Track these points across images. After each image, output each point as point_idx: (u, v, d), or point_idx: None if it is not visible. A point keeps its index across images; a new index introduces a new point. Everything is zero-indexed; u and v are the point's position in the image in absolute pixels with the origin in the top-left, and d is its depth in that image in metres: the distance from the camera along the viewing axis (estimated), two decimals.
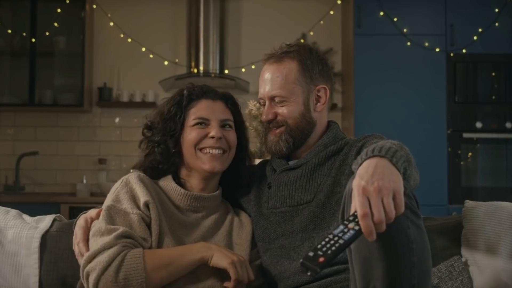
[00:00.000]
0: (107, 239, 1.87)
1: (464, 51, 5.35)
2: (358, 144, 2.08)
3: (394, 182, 1.46)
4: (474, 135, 5.32)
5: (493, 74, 5.38)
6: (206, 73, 5.65)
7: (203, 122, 2.12)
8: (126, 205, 1.99)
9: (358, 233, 1.41)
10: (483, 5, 5.38)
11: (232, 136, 2.17)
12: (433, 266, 2.12)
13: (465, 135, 5.31)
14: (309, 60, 2.21)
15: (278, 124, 2.19)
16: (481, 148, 5.39)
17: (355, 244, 1.57)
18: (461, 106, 5.34)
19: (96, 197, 5.40)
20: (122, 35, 5.94)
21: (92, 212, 2.12)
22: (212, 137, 2.09)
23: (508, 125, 5.29)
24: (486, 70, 5.38)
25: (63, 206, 5.09)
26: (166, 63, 5.94)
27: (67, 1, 5.75)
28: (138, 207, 1.99)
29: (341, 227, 1.43)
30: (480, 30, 5.34)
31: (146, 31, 5.99)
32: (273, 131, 2.21)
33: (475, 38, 5.34)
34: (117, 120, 5.98)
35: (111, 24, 5.96)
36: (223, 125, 2.15)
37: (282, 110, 2.18)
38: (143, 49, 5.93)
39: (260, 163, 2.42)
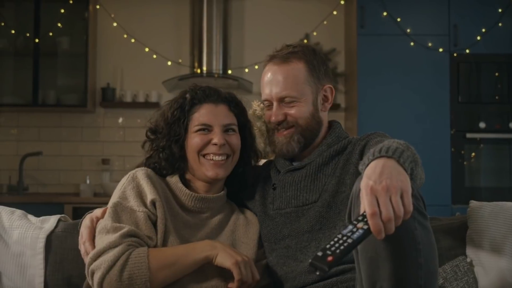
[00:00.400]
0: (112, 237, 1.88)
1: (467, 51, 5.35)
2: (361, 142, 2.08)
3: (402, 182, 1.47)
4: (478, 135, 5.32)
5: (497, 74, 5.38)
6: (210, 74, 5.65)
7: (205, 128, 2.11)
8: (133, 202, 1.99)
9: (367, 232, 1.42)
10: (486, 5, 5.38)
11: (235, 140, 2.16)
12: (438, 267, 2.11)
13: (469, 135, 5.30)
14: (314, 60, 2.22)
15: (288, 125, 2.17)
16: (485, 148, 5.38)
17: (361, 244, 1.57)
18: (465, 106, 5.34)
19: (100, 197, 5.40)
20: (125, 36, 5.94)
21: (97, 212, 2.12)
22: (215, 144, 2.09)
23: (511, 125, 5.28)
24: (490, 70, 5.38)
25: (67, 207, 5.09)
26: (169, 63, 5.94)
27: (71, 2, 5.76)
28: (144, 204, 1.99)
29: (350, 227, 1.43)
30: (483, 30, 5.34)
31: (149, 32, 6.00)
32: (281, 132, 2.19)
33: (478, 38, 5.34)
34: (120, 120, 5.99)
35: (115, 24, 5.96)
36: (226, 129, 2.14)
37: (292, 111, 2.16)
38: (147, 49, 5.93)
39: (264, 163, 2.41)
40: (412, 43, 5.37)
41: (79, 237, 2.10)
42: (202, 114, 2.12)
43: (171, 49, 6.01)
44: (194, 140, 2.10)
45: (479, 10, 5.38)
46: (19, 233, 2.32)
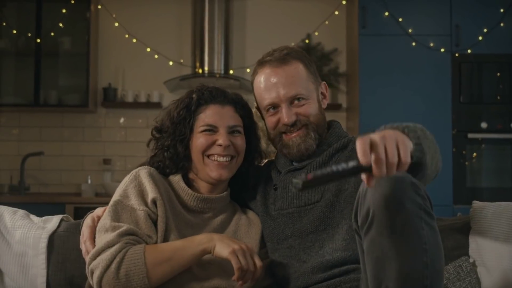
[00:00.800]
0: (110, 236, 1.88)
1: (469, 51, 5.35)
2: None
3: (398, 135, 1.46)
4: (479, 135, 5.32)
5: (498, 74, 5.37)
6: (211, 74, 5.66)
7: (211, 129, 2.10)
8: (134, 200, 1.99)
9: (356, 167, 1.41)
10: (488, 5, 5.38)
11: (240, 141, 2.15)
12: None
13: (470, 135, 5.30)
14: (306, 59, 2.23)
15: (301, 124, 2.14)
16: (486, 148, 5.38)
17: (367, 244, 1.57)
18: (466, 107, 5.34)
19: (101, 197, 5.40)
20: (127, 36, 5.94)
21: (99, 211, 2.13)
22: (220, 145, 2.08)
23: None
24: (491, 70, 5.38)
25: (68, 206, 5.09)
26: (171, 63, 5.94)
27: (72, 2, 5.76)
28: (145, 203, 1.99)
29: (342, 164, 1.42)
30: (485, 30, 5.34)
31: (151, 32, 6.00)
32: (292, 134, 2.16)
33: (480, 38, 5.34)
34: (122, 120, 5.99)
35: (116, 24, 5.96)
36: (231, 131, 2.13)
37: (303, 110, 2.14)
38: (148, 49, 5.93)
39: (265, 164, 2.40)
40: (413, 43, 5.37)
41: (81, 236, 2.11)
42: (208, 115, 2.12)
43: (172, 49, 6.02)
44: (199, 141, 2.10)
45: (481, 10, 5.37)
46: (22, 233, 2.32)
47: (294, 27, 5.99)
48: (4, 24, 5.82)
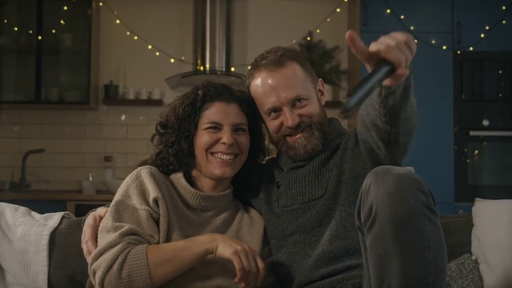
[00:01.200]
0: (112, 236, 1.87)
1: (471, 48, 5.34)
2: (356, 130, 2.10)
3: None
4: (481, 133, 5.31)
5: (500, 72, 5.36)
6: (212, 71, 5.65)
7: (215, 127, 2.09)
8: (135, 200, 1.98)
9: (387, 69, 1.45)
10: (490, 3, 5.37)
11: (244, 140, 2.14)
12: None
13: (472, 133, 5.29)
14: (301, 58, 2.22)
15: (305, 125, 2.14)
16: (488, 146, 5.37)
17: (370, 241, 1.57)
18: (468, 104, 5.33)
19: (102, 194, 5.40)
20: (128, 33, 5.94)
21: (100, 211, 2.12)
22: (224, 143, 2.07)
23: None
24: (493, 68, 5.37)
25: (69, 204, 5.09)
26: (172, 60, 5.94)
27: None
28: (147, 203, 1.98)
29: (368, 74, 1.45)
30: (487, 27, 5.33)
31: (152, 29, 5.99)
32: (296, 136, 2.15)
33: (482, 36, 5.33)
34: (123, 117, 5.98)
35: (117, 21, 5.96)
36: (235, 129, 2.12)
37: (305, 111, 2.14)
38: (149, 46, 5.93)
39: (267, 161, 2.39)
40: (415, 41, 5.33)
41: (82, 236, 2.10)
42: (213, 112, 2.10)
43: (174, 47, 6.01)
44: (203, 138, 2.09)
45: (482, 7, 5.36)
46: (23, 230, 2.32)
47: (295, 25, 5.99)
48: (5, 21, 5.81)
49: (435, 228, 1.55)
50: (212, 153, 2.09)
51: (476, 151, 5.36)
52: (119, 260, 1.81)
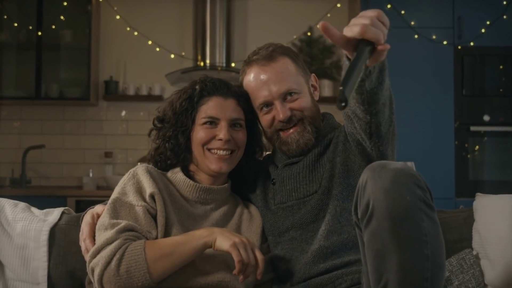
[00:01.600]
0: (109, 233, 1.87)
1: (471, 44, 5.33)
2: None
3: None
4: (482, 128, 5.31)
5: (501, 67, 5.35)
6: (213, 67, 5.64)
7: (212, 121, 2.09)
8: (132, 197, 1.98)
9: (362, 48, 1.41)
10: None
11: (241, 135, 2.14)
12: None
13: (473, 128, 5.29)
14: (293, 53, 2.22)
15: (296, 119, 2.15)
16: (489, 141, 5.37)
17: (368, 237, 1.57)
18: (469, 99, 5.32)
19: (103, 190, 5.39)
20: (128, 28, 5.93)
21: (98, 208, 2.12)
22: (220, 140, 2.07)
23: None
24: (494, 63, 5.36)
25: (70, 200, 5.09)
26: (172, 56, 5.93)
27: None
28: (143, 199, 1.98)
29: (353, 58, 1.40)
30: (488, 22, 5.32)
31: (152, 24, 5.98)
32: (289, 130, 2.16)
33: (482, 31, 5.32)
34: (123, 113, 5.98)
35: (118, 17, 5.95)
36: (233, 124, 2.12)
37: (296, 104, 2.14)
38: (150, 42, 5.92)
39: (264, 158, 2.40)
40: (416, 36, 5.35)
41: (80, 233, 2.10)
42: (210, 107, 2.11)
43: (174, 42, 6.00)
44: (199, 134, 2.09)
45: (483, 2, 5.35)
46: (23, 226, 2.32)
47: (296, 20, 5.97)
48: (5, 17, 5.80)
49: (432, 223, 1.55)
50: (209, 149, 2.09)
51: (477, 147, 5.36)
52: (117, 256, 1.81)
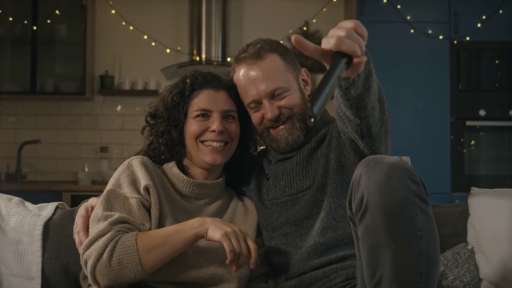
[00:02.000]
0: (102, 225, 1.87)
1: (467, 38, 5.34)
2: None
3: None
4: (477, 123, 5.32)
5: (497, 61, 5.36)
6: (208, 61, 5.64)
7: (204, 114, 2.10)
8: (126, 189, 1.97)
9: (337, 61, 1.39)
10: None
11: (234, 127, 2.14)
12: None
13: (468, 123, 5.30)
14: (282, 49, 2.20)
15: (285, 117, 2.14)
16: (484, 136, 5.38)
17: (362, 231, 1.56)
18: (464, 94, 5.33)
19: (98, 185, 5.39)
20: (124, 23, 5.91)
21: (92, 201, 2.11)
22: (213, 131, 2.07)
23: (511, 113, 5.27)
24: (490, 57, 5.37)
25: (65, 194, 5.09)
26: (168, 51, 5.92)
27: None
28: (138, 191, 1.97)
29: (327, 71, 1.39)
30: (484, 17, 5.32)
31: (148, 19, 5.97)
32: (278, 128, 2.15)
33: (479, 25, 5.32)
34: (119, 108, 5.97)
35: (113, 11, 5.93)
36: (225, 116, 2.12)
37: (285, 102, 2.13)
38: (145, 37, 5.91)
39: (259, 152, 2.40)
40: (412, 30, 5.35)
41: (74, 226, 2.10)
42: (201, 99, 2.11)
43: (170, 37, 5.99)
44: (192, 127, 2.09)
45: None
46: (17, 220, 2.31)
47: (292, 15, 5.97)
48: (0, 11, 5.78)
49: (427, 217, 1.54)
50: (202, 141, 2.09)
51: (473, 141, 5.37)
52: (109, 248, 1.81)
